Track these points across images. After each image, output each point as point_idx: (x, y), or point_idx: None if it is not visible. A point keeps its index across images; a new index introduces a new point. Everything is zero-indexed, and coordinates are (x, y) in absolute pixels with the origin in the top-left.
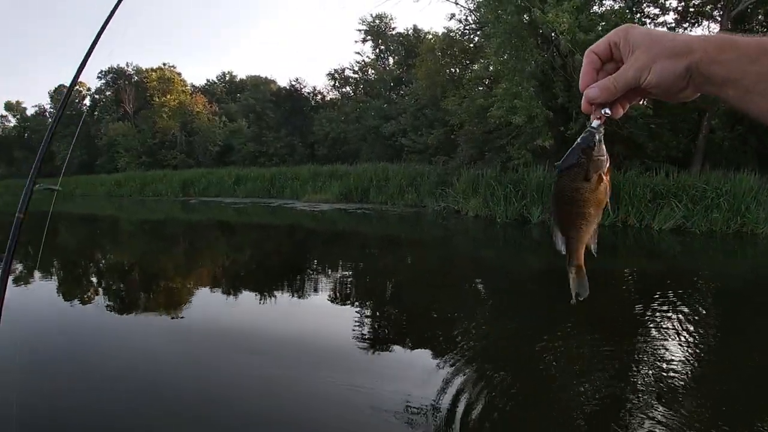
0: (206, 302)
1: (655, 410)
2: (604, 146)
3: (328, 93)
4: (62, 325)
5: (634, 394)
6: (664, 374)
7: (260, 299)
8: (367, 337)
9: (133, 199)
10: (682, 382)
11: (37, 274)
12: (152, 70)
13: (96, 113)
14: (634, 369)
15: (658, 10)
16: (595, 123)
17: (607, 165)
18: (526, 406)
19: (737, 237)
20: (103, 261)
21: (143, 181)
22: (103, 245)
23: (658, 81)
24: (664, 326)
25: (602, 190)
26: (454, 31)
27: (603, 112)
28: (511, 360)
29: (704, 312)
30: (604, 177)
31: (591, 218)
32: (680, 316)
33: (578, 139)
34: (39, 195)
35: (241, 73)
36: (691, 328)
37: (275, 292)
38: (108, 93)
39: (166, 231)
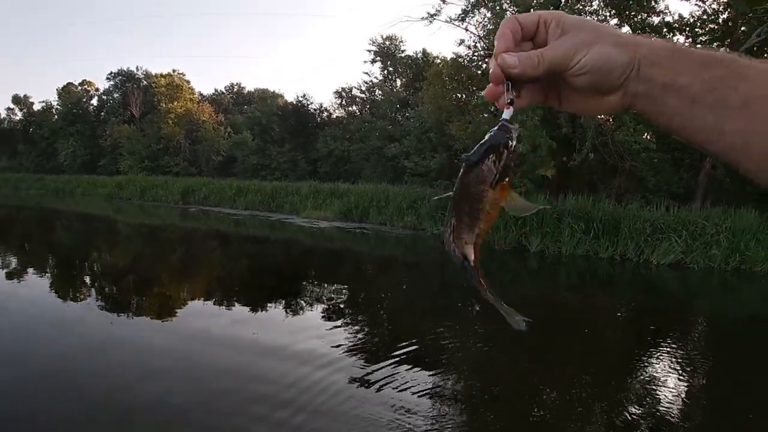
0: (194, 310)
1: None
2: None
3: (334, 111)
4: (44, 319)
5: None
6: (653, 412)
7: (249, 314)
8: (353, 361)
9: (133, 203)
10: (671, 421)
11: (30, 269)
12: (161, 75)
13: (102, 114)
14: (624, 405)
15: None
16: (507, 113)
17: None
18: None
19: (735, 274)
20: (97, 261)
21: (144, 185)
22: (99, 245)
23: (594, 66)
24: (656, 363)
25: (499, 200)
26: (462, 57)
27: (510, 93)
28: (500, 391)
29: (698, 350)
30: (506, 187)
31: (478, 228)
32: (674, 353)
33: (491, 133)
34: (39, 191)
35: (249, 86)
36: (684, 366)
37: (265, 308)
38: (116, 95)
39: (163, 236)
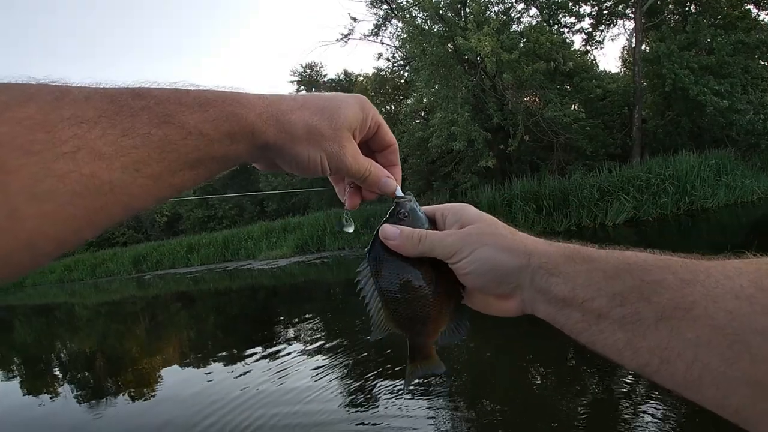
0: (176, 380)
1: (646, 406)
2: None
3: None
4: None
5: (623, 397)
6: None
7: (230, 371)
8: (350, 389)
9: (86, 283)
10: None
11: None
12: None
13: None
14: (616, 373)
15: (574, 18)
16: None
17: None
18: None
19: (689, 216)
20: (65, 350)
21: (94, 261)
22: (63, 335)
23: (478, 269)
24: None
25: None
26: (383, 70)
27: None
28: (494, 387)
29: None
30: None
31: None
32: None
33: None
34: None
35: None
36: None
37: (245, 362)
38: None
39: (125, 311)
